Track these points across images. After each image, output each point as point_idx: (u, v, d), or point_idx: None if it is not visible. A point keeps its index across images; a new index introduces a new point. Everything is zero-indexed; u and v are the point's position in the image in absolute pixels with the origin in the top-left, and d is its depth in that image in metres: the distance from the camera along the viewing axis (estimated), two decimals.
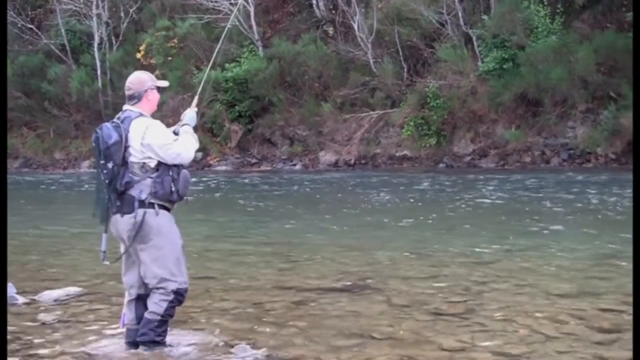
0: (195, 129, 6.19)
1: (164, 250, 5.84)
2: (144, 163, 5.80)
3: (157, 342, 5.88)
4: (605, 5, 29.86)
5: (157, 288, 5.86)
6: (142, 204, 5.78)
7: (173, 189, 5.85)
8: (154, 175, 5.81)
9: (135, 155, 5.80)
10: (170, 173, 5.85)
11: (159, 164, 5.82)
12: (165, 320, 5.91)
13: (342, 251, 11.40)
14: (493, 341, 6.15)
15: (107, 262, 6.04)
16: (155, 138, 5.79)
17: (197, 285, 8.45)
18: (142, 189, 5.79)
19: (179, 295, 5.88)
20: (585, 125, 27.75)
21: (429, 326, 6.70)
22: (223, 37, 8.52)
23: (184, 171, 5.95)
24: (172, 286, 5.83)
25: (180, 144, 5.87)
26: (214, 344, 6.24)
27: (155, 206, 5.82)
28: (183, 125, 6.12)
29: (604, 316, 6.87)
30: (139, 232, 5.78)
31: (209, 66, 9.28)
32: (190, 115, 6.25)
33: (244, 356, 5.89)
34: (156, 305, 5.85)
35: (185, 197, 5.98)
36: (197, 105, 6.47)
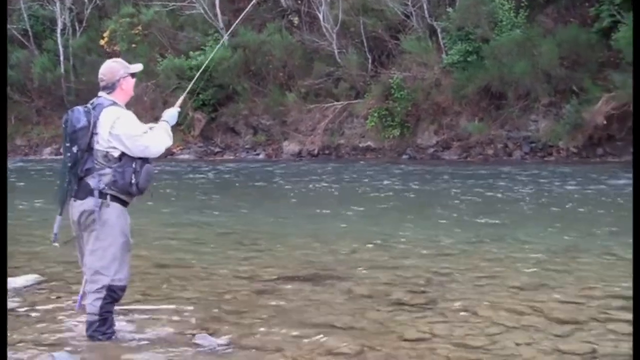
0: (175, 126, 6.16)
1: (104, 243, 5.78)
2: (107, 152, 5.74)
3: (104, 340, 5.85)
4: (569, 0, 30.11)
5: (90, 282, 5.82)
6: (99, 193, 5.73)
7: (133, 180, 5.77)
8: (114, 165, 5.75)
9: (102, 143, 5.73)
10: (133, 165, 5.77)
11: (123, 154, 5.76)
12: (105, 318, 5.85)
13: (304, 241, 11.39)
14: (453, 332, 6.19)
15: (57, 244, 5.97)
16: (124, 128, 5.72)
17: (158, 274, 8.42)
18: (100, 178, 5.73)
19: (112, 292, 5.80)
20: (548, 119, 27.95)
21: (390, 317, 6.72)
22: (220, 45, 8.44)
23: (148, 165, 5.86)
24: (104, 281, 5.77)
25: (150, 137, 5.80)
26: (175, 333, 6.21)
27: (108, 197, 5.75)
28: (162, 121, 6.09)
29: (562, 308, 6.93)
30: (87, 220, 5.75)
31: (201, 69, 9.18)
32: (171, 113, 6.22)
33: (205, 345, 5.87)
34: (91, 305, 5.82)
35: (146, 192, 5.91)
36: (181, 106, 6.43)
